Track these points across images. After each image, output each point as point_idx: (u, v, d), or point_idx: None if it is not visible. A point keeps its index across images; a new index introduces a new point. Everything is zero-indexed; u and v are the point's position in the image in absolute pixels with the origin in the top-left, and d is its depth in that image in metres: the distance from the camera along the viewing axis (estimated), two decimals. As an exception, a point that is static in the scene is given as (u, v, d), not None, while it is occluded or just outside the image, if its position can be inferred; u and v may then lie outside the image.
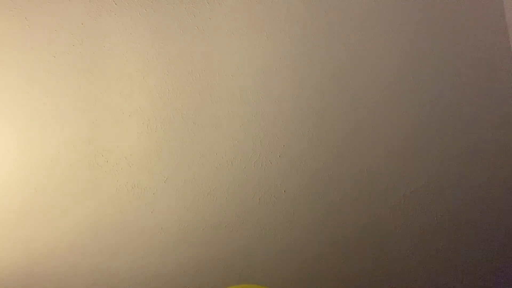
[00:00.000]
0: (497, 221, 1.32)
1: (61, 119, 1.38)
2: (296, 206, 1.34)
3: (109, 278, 1.33)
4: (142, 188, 1.35)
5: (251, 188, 1.35)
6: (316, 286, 1.31)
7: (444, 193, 1.33)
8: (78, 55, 1.40)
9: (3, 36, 1.41)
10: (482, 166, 1.33)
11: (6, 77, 1.39)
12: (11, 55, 1.40)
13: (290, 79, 1.39)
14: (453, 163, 1.34)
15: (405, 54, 1.38)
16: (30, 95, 1.38)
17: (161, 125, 1.37)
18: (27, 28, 1.41)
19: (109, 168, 1.35)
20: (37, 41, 1.40)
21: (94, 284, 1.32)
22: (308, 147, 1.36)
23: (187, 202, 1.34)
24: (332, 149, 1.35)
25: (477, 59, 1.37)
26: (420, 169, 1.34)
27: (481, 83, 1.36)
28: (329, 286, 1.31)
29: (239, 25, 1.41)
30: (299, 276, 1.32)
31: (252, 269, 1.32)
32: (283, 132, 1.37)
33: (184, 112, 1.38)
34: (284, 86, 1.38)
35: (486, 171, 1.33)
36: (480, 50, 1.37)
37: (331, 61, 1.39)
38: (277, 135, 1.37)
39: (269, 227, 1.33)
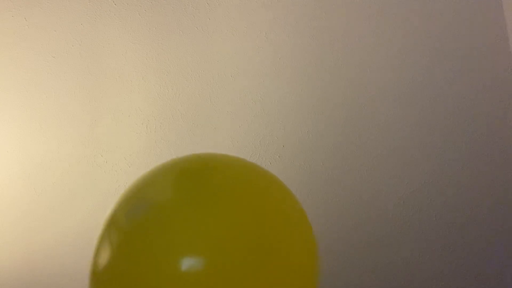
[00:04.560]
0: (497, 221, 1.31)
1: (60, 119, 1.38)
2: (296, 206, 1.34)
3: (108, 279, 1.32)
4: (142, 188, 1.35)
5: (251, 188, 1.34)
6: (316, 286, 1.31)
7: (444, 193, 1.32)
8: (77, 55, 1.40)
9: (2, 36, 1.40)
10: (482, 166, 1.33)
11: (5, 77, 1.39)
12: (10, 55, 1.40)
13: (290, 79, 1.38)
14: (453, 163, 1.33)
15: (405, 55, 1.38)
16: (29, 95, 1.38)
17: (161, 125, 1.37)
18: (26, 28, 1.41)
19: (108, 168, 1.35)
20: (36, 41, 1.40)
21: (93, 284, 1.32)
22: (308, 147, 1.36)
23: (186, 203, 1.34)
24: (332, 149, 1.35)
25: (477, 59, 1.36)
26: (420, 169, 1.33)
27: (480, 82, 1.35)
28: (328, 286, 1.31)
29: (239, 25, 1.41)
30: (299, 276, 1.32)
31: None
32: (283, 132, 1.36)
33: (184, 112, 1.38)
34: (284, 86, 1.38)
35: (486, 171, 1.33)
36: (479, 50, 1.37)
37: (332, 61, 1.38)
38: (277, 135, 1.37)
39: (269, 227, 1.33)
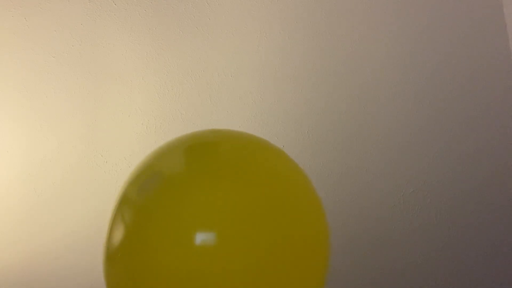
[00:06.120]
0: (497, 221, 1.31)
1: (60, 119, 1.38)
2: (296, 206, 1.33)
3: (108, 279, 1.32)
4: (142, 188, 1.35)
5: (251, 188, 1.34)
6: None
7: (444, 193, 1.32)
8: (78, 56, 1.40)
9: (2, 36, 1.40)
10: (482, 166, 1.33)
11: (5, 77, 1.39)
12: (10, 55, 1.39)
13: (290, 79, 1.38)
14: (453, 163, 1.33)
15: (405, 55, 1.38)
16: (29, 95, 1.38)
17: (161, 125, 1.37)
18: (26, 28, 1.41)
19: (108, 169, 1.35)
20: (36, 41, 1.40)
21: (93, 284, 1.32)
22: (308, 147, 1.36)
23: (186, 203, 1.34)
24: (332, 149, 1.35)
25: (477, 59, 1.36)
26: (420, 169, 1.33)
27: (480, 83, 1.35)
28: (328, 285, 1.31)
29: (239, 25, 1.41)
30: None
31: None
32: (283, 132, 1.37)
33: (184, 112, 1.38)
34: (284, 86, 1.38)
35: (486, 171, 1.33)
36: (479, 51, 1.37)
37: (331, 61, 1.39)
38: (277, 135, 1.37)
39: (269, 227, 1.33)
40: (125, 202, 0.61)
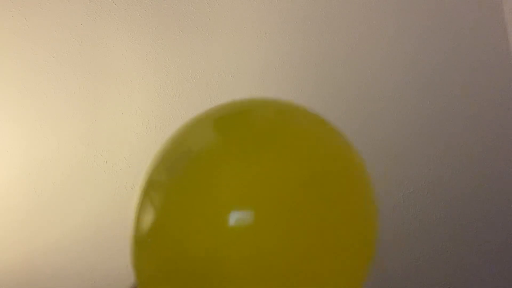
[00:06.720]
0: (497, 221, 1.31)
1: (60, 119, 1.38)
2: (296, 206, 1.33)
3: (108, 279, 1.32)
4: (142, 188, 1.35)
5: (251, 188, 1.34)
6: (316, 286, 1.31)
7: (444, 193, 1.32)
8: (78, 56, 1.40)
9: (2, 36, 1.40)
10: (482, 166, 1.33)
11: (4, 77, 1.39)
12: (10, 55, 1.39)
13: (290, 79, 1.38)
14: (453, 163, 1.33)
15: (405, 56, 1.38)
16: (29, 95, 1.38)
17: (161, 125, 1.37)
18: (26, 28, 1.41)
19: (108, 169, 1.35)
20: (36, 41, 1.40)
21: (93, 284, 1.32)
22: (308, 147, 1.35)
23: (186, 203, 1.34)
24: (332, 149, 1.35)
25: (477, 59, 1.36)
26: (420, 169, 1.33)
27: (480, 83, 1.35)
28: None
29: (239, 25, 1.41)
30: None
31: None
32: (283, 132, 1.36)
33: (184, 112, 1.38)
34: (284, 86, 1.38)
35: (486, 171, 1.33)
36: (479, 51, 1.37)
37: (331, 61, 1.38)
38: (277, 135, 1.36)
39: (269, 227, 1.33)
40: (153, 184, 0.56)
